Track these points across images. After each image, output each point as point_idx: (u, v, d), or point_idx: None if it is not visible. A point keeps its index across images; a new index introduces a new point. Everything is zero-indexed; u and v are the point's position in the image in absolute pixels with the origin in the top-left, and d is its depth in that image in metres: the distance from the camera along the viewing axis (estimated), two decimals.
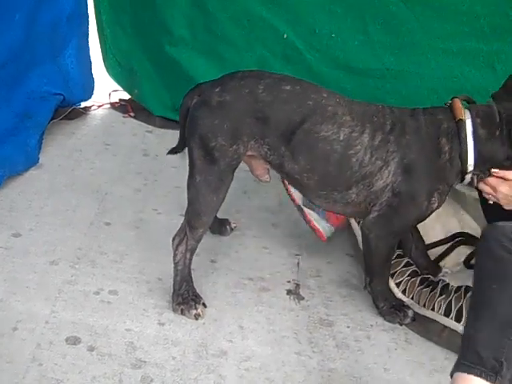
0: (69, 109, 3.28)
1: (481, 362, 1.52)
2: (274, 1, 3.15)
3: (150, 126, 3.35)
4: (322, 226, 2.38)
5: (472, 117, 1.83)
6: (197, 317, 2.01)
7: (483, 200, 2.02)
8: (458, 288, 2.03)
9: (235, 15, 3.21)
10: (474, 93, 2.93)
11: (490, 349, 1.52)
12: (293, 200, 2.44)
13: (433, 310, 2.03)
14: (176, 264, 2.04)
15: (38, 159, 2.87)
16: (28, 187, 2.66)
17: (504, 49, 2.81)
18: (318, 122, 1.87)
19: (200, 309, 2.02)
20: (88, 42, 3.41)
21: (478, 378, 1.51)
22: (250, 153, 1.98)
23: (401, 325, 2.06)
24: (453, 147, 1.84)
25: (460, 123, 1.83)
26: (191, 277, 2.07)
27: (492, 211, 2.18)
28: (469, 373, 1.52)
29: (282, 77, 1.98)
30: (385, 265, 2.04)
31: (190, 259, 2.05)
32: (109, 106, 3.52)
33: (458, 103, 1.87)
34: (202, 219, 2.00)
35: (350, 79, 3.15)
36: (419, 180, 1.86)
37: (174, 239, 2.04)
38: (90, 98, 3.46)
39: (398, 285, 2.14)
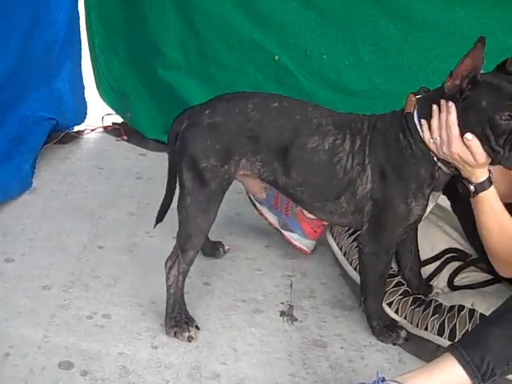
0: (62, 133, 3.30)
1: (479, 365, 1.58)
2: (266, 23, 3.18)
3: (143, 149, 3.36)
4: (304, 244, 2.46)
5: (419, 106, 1.83)
6: (190, 339, 2.01)
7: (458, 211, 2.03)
8: (451, 307, 2.03)
9: (227, 38, 3.25)
10: None
11: (495, 360, 1.58)
12: (270, 224, 2.47)
13: (426, 329, 2.03)
14: (169, 287, 2.04)
15: (32, 183, 2.88)
16: (21, 212, 2.67)
17: (493, 67, 2.84)
18: (304, 134, 1.90)
19: (193, 331, 2.02)
20: (81, 66, 3.44)
21: (466, 375, 1.58)
22: (242, 172, 2.00)
23: (394, 344, 2.05)
24: (410, 141, 1.83)
25: (407, 116, 1.83)
26: (184, 300, 2.07)
27: (472, 231, 2.21)
28: (461, 364, 1.59)
29: (268, 95, 2.01)
30: (379, 283, 2.04)
31: (183, 282, 2.05)
32: (102, 129, 3.54)
33: (409, 98, 1.87)
34: (193, 241, 2.00)
35: (343, 100, 3.17)
36: (391, 182, 1.86)
37: (166, 262, 2.04)
38: (83, 121, 3.48)
39: (389, 304, 2.13)
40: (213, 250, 2.46)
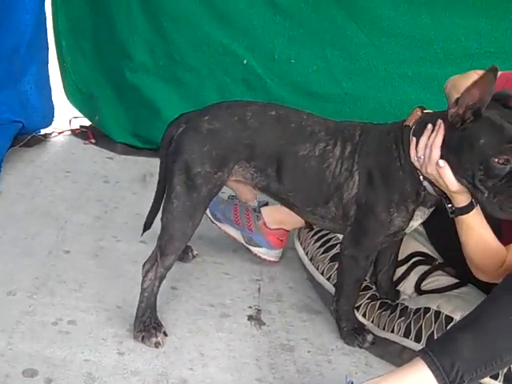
0: (28, 136, 3.26)
1: (448, 371, 1.58)
2: (234, 27, 3.19)
3: (110, 153, 3.34)
4: (271, 255, 2.46)
5: (418, 123, 1.83)
6: (157, 345, 1.99)
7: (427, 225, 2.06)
8: (417, 310, 2.05)
9: (195, 41, 3.25)
10: None
11: (464, 367, 1.58)
12: (234, 240, 2.48)
13: (392, 331, 2.05)
14: (143, 290, 2.01)
15: None
16: None
17: (458, 72, 2.88)
18: (298, 142, 1.93)
19: (160, 337, 2.00)
20: (48, 68, 3.40)
21: (435, 381, 1.58)
22: (234, 178, 2.01)
23: (360, 348, 2.07)
24: (400, 154, 1.84)
25: (405, 129, 1.84)
26: (155, 304, 2.05)
27: (437, 236, 2.24)
28: (431, 370, 1.59)
29: (266, 103, 2.05)
30: (354, 286, 2.05)
31: (158, 287, 2.03)
32: (69, 132, 3.51)
33: (415, 111, 1.88)
34: (175, 245, 1.99)
35: (310, 104, 3.18)
36: (376, 189, 1.87)
37: (144, 265, 2.02)
38: (50, 124, 3.44)
39: (357, 308, 2.15)
40: (182, 254, 2.44)
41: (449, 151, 1.72)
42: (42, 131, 3.41)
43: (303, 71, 3.18)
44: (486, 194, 1.69)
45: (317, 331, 2.13)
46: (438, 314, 1.98)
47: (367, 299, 2.17)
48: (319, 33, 3.10)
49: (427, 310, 2.02)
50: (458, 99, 1.68)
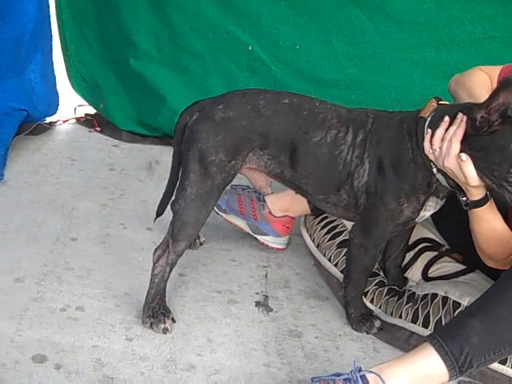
0: (34, 124, 3.27)
1: (457, 356, 1.58)
2: (239, 14, 3.18)
3: (115, 141, 3.34)
4: (278, 243, 2.47)
5: (434, 114, 1.79)
6: (165, 331, 2.00)
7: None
8: (425, 296, 2.05)
9: (200, 28, 3.24)
10: None
11: (473, 352, 1.58)
12: (241, 230, 2.48)
13: (400, 317, 2.05)
14: (153, 276, 2.02)
15: (3, 175, 2.84)
16: None
17: (463, 58, 2.88)
18: (310, 129, 1.92)
19: (168, 323, 2.01)
20: (52, 57, 3.40)
21: (444, 366, 1.58)
22: (248, 165, 2.02)
23: (367, 333, 2.07)
24: (413, 145, 1.82)
25: (420, 120, 1.81)
26: (165, 291, 2.06)
27: (443, 223, 2.24)
28: (440, 355, 1.59)
29: (279, 91, 2.04)
30: (363, 274, 2.05)
31: (169, 273, 2.04)
32: (74, 120, 3.51)
33: (430, 102, 1.83)
34: (188, 232, 1.99)
35: (315, 90, 3.18)
36: (386, 178, 1.86)
37: (155, 251, 2.03)
38: (55, 113, 3.45)
39: (365, 294, 2.15)
40: None
41: (473, 149, 1.67)
42: (48, 119, 3.41)
43: (308, 57, 3.16)
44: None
45: (324, 317, 2.14)
46: (445, 299, 1.98)
47: (375, 285, 2.18)
48: (324, 19, 3.08)
49: (434, 295, 2.02)
50: (484, 103, 1.63)
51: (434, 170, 1.79)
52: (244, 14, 3.18)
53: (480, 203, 1.76)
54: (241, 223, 2.48)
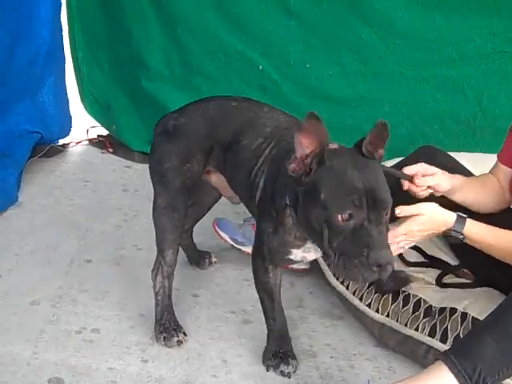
0: (47, 146, 3.31)
1: (471, 374, 1.57)
2: (249, 33, 3.21)
3: (128, 162, 3.37)
4: (303, 264, 2.43)
5: None
6: (179, 343, 2.03)
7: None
8: (442, 310, 1.99)
9: (211, 49, 3.27)
10: (445, 117, 3.02)
11: (487, 369, 1.57)
12: (224, 240, 2.50)
13: (416, 330, 2.00)
14: (156, 294, 2.07)
15: (17, 198, 2.87)
16: (7, 227, 2.66)
17: (473, 74, 2.89)
18: (245, 132, 1.91)
19: (181, 336, 2.04)
20: (64, 79, 3.45)
21: (456, 382, 1.57)
22: (208, 168, 2.04)
23: (284, 375, 1.93)
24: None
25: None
26: (172, 306, 2.09)
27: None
28: (453, 373, 1.58)
29: (234, 97, 2.05)
30: (263, 298, 1.96)
31: (169, 287, 2.07)
32: (87, 142, 3.54)
33: None
34: (168, 238, 2.04)
35: (326, 108, 3.20)
36: (264, 197, 1.78)
37: (152, 271, 2.08)
38: (67, 135, 3.49)
39: (369, 305, 2.10)
40: (199, 259, 2.48)
41: (301, 213, 1.56)
42: (61, 141, 3.45)
43: (318, 76, 3.19)
44: (332, 257, 1.51)
45: (339, 336, 2.13)
46: (464, 315, 1.93)
47: (375, 293, 2.11)
48: (334, 37, 3.11)
49: (453, 310, 1.96)
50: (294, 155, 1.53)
51: (287, 199, 1.65)
52: (254, 34, 3.21)
53: (458, 228, 1.77)
54: (224, 234, 2.50)
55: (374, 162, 1.54)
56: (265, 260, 1.87)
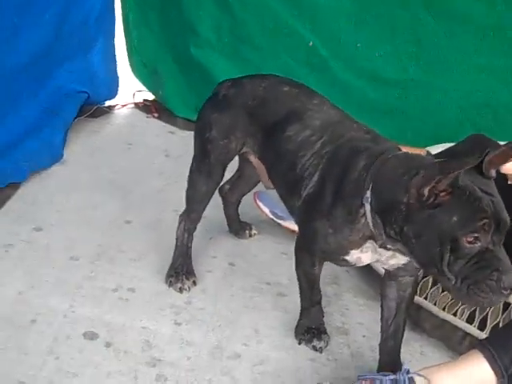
0: (93, 107, 3.33)
1: (508, 366, 1.56)
2: (301, 8, 3.18)
3: (172, 127, 3.38)
4: None
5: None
6: (181, 290, 2.11)
7: None
8: None
9: (262, 21, 3.24)
10: (498, 107, 2.95)
11: None
12: (264, 213, 2.49)
13: (454, 315, 1.98)
14: (176, 239, 2.17)
15: (62, 155, 2.91)
16: (51, 183, 2.70)
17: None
18: (291, 121, 1.86)
19: (187, 284, 2.12)
20: (114, 41, 3.46)
21: (493, 374, 1.57)
22: (245, 149, 2.03)
23: (316, 350, 1.95)
24: (364, 184, 1.60)
25: (377, 162, 1.61)
26: (189, 254, 2.17)
27: None
28: (490, 363, 1.57)
29: (288, 80, 1.99)
30: (305, 283, 1.93)
31: (188, 238, 2.16)
32: (133, 105, 3.55)
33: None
34: (193, 205, 2.12)
35: (374, 89, 3.17)
36: (323, 195, 1.71)
37: (179, 216, 2.17)
38: (114, 97, 3.50)
39: None
40: (239, 230, 2.48)
41: (413, 230, 1.47)
42: (107, 103, 3.47)
43: (369, 55, 3.14)
44: (453, 282, 1.45)
45: (373, 316, 2.11)
46: (507, 305, 1.90)
47: None
48: (389, 17, 3.04)
49: None
50: (425, 175, 1.41)
51: (366, 197, 1.59)
52: (306, 9, 3.17)
53: None
54: (264, 207, 2.49)
55: (491, 181, 1.49)
56: (314, 256, 1.84)
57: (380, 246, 1.64)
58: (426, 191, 1.41)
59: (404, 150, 1.71)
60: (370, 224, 1.59)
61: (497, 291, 1.41)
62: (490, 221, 1.40)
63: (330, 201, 1.68)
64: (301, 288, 1.96)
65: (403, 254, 1.58)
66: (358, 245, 1.67)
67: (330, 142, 1.77)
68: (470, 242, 1.40)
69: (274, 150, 1.90)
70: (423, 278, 2.06)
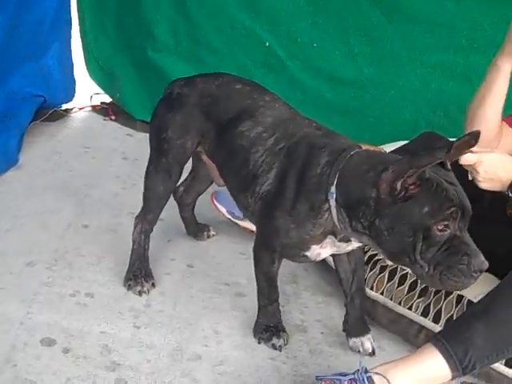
0: (50, 110, 3.30)
1: (461, 358, 1.59)
2: (257, 10, 3.20)
3: (130, 130, 3.37)
4: None
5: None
6: (140, 293, 2.10)
7: None
8: (438, 290, 1.99)
9: (219, 23, 3.26)
10: (450, 105, 3.01)
11: (477, 354, 1.59)
12: (221, 214, 2.51)
13: (410, 309, 2.02)
14: (133, 242, 2.15)
15: (18, 160, 2.87)
16: (6, 188, 2.66)
17: (481, 62, 2.86)
18: (243, 118, 1.88)
19: (146, 287, 2.11)
20: (70, 45, 3.43)
21: (447, 368, 1.59)
22: (199, 148, 2.04)
23: (275, 348, 1.96)
24: (323, 163, 1.67)
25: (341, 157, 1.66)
26: (146, 257, 2.16)
27: None
28: (444, 357, 1.60)
29: (241, 79, 2.02)
30: (264, 281, 1.95)
31: (145, 240, 2.15)
32: (90, 108, 3.54)
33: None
34: (150, 205, 2.12)
35: (331, 88, 3.21)
36: (284, 191, 1.72)
37: (135, 219, 2.16)
38: (71, 100, 3.48)
39: (364, 281, 2.07)
40: (197, 231, 2.49)
41: (385, 224, 1.54)
42: (64, 106, 3.45)
43: (325, 55, 3.18)
44: (426, 269, 1.52)
45: (330, 313, 2.15)
46: (460, 297, 1.95)
47: (373, 271, 2.11)
48: (343, 18, 3.10)
49: (450, 292, 1.97)
50: (393, 169, 1.49)
51: (331, 192, 1.63)
52: (263, 10, 3.20)
53: None
54: (221, 207, 2.50)
55: (451, 172, 1.59)
56: (274, 252, 1.86)
57: (339, 240, 1.71)
58: (398, 185, 1.49)
59: (364, 147, 1.76)
60: (335, 218, 1.64)
61: (468, 274, 1.51)
62: (457, 209, 1.50)
63: (291, 196, 1.71)
64: (259, 286, 1.97)
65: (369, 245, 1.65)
66: (319, 240, 1.72)
67: (283, 138, 1.80)
68: (440, 230, 1.49)
69: (226, 147, 1.91)
70: (379, 273, 2.10)
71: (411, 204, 1.50)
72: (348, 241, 1.71)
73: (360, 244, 1.75)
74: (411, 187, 1.49)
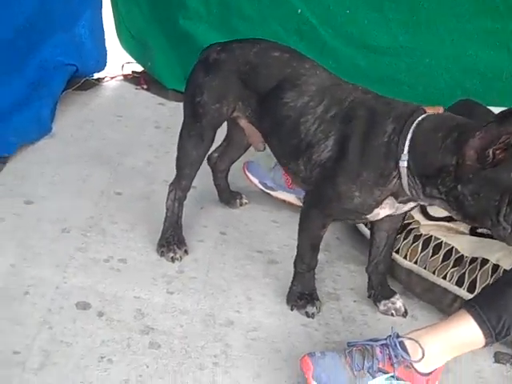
0: (82, 79, 3.30)
1: (495, 324, 1.58)
2: None
3: (162, 99, 3.36)
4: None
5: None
6: (173, 260, 2.12)
7: None
8: (473, 259, 1.99)
9: None
10: (486, 72, 2.95)
11: (510, 320, 1.58)
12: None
13: (444, 278, 2.01)
14: (167, 210, 2.16)
15: (51, 129, 2.88)
16: (40, 156, 2.68)
17: None
18: (286, 88, 1.86)
19: (179, 254, 2.13)
20: (101, 13, 3.41)
21: (481, 334, 1.59)
22: (236, 114, 2.02)
23: (308, 316, 1.97)
24: (390, 132, 1.65)
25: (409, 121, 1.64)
26: (179, 225, 2.17)
27: None
28: (478, 323, 1.59)
29: (278, 45, 1.99)
30: (308, 247, 1.95)
31: (179, 208, 2.16)
32: (121, 77, 3.53)
33: (437, 108, 1.79)
34: (184, 171, 2.11)
35: (364, 56, 3.16)
36: (347, 159, 1.71)
37: (169, 187, 2.16)
38: (103, 69, 3.47)
39: (397, 251, 2.09)
40: (230, 199, 2.49)
41: (470, 190, 1.53)
42: (95, 75, 3.44)
43: (358, 23, 3.12)
44: (509, 230, 1.53)
45: (364, 282, 2.12)
46: (496, 267, 1.93)
47: (406, 241, 2.11)
48: None
49: (485, 261, 1.96)
50: (488, 135, 1.47)
51: (402, 160, 1.62)
52: None
53: None
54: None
55: None
56: (328, 216, 1.86)
57: (399, 202, 1.73)
58: (490, 152, 1.47)
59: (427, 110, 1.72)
60: (405, 185, 1.65)
61: None
62: None
63: (356, 165, 1.70)
64: (301, 252, 1.97)
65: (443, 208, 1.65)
66: (381, 202, 1.73)
67: (332, 105, 1.78)
68: None
69: (271, 117, 1.90)
70: (412, 243, 2.09)
71: (499, 169, 1.49)
72: (407, 202, 1.73)
73: (416, 205, 1.77)
74: (497, 152, 1.48)
